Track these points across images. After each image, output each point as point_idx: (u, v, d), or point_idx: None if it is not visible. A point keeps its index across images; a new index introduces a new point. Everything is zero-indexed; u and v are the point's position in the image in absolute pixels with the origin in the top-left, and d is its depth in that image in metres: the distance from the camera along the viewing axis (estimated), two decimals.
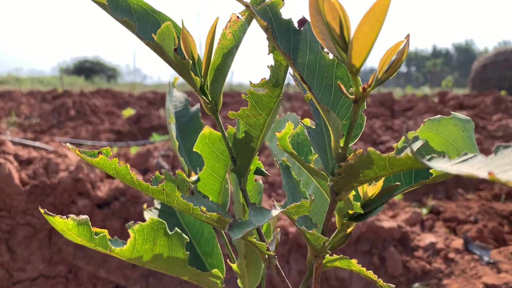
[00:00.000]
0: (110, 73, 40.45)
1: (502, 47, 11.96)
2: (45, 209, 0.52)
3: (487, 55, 11.77)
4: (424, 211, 2.33)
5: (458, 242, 1.81)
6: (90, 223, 0.54)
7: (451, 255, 1.72)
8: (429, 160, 0.37)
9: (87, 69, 38.25)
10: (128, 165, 0.45)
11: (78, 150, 0.46)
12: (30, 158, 1.81)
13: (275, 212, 0.43)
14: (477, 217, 2.21)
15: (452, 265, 1.68)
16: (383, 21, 0.35)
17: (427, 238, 1.82)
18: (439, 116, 0.53)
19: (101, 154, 0.45)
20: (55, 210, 1.59)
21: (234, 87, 17.13)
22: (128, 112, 5.85)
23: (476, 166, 0.31)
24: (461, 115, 0.53)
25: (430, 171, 0.47)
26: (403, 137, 0.52)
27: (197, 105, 0.75)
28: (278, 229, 0.77)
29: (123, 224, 1.60)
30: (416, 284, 1.62)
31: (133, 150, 3.13)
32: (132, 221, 0.57)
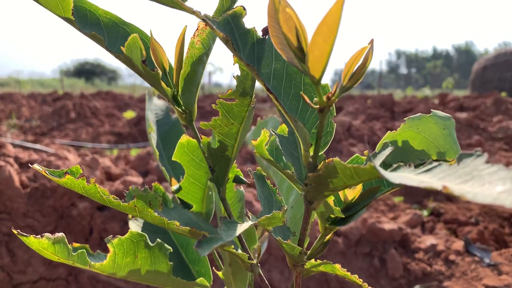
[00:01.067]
0: (111, 75, 40.49)
1: (502, 49, 11.96)
2: (18, 231, 0.51)
3: (487, 57, 11.78)
4: (425, 213, 2.33)
5: (458, 244, 1.81)
6: (66, 240, 0.53)
7: (452, 257, 1.72)
8: (394, 169, 0.37)
9: (87, 71, 38.31)
10: (97, 184, 0.45)
11: (45, 171, 0.45)
12: (31, 161, 1.81)
13: (245, 225, 0.42)
14: (478, 218, 2.20)
15: (453, 267, 1.68)
16: (337, 32, 0.35)
17: (428, 240, 1.82)
18: (419, 114, 0.53)
19: (68, 174, 0.44)
20: (55, 213, 1.59)
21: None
22: (129, 114, 5.86)
23: (437, 177, 0.31)
24: (441, 112, 0.52)
25: None
26: (381, 140, 0.52)
27: None
28: (266, 233, 0.77)
29: (123, 226, 1.59)
30: (417, 286, 1.61)
31: (134, 152, 3.13)
32: (111, 235, 0.56)
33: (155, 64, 0.52)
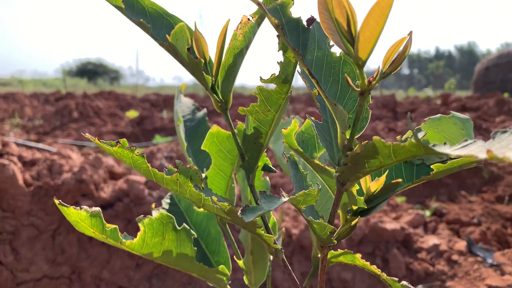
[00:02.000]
0: (113, 75, 40.53)
1: (505, 49, 11.94)
2: (60, 201, 0.53)
3: (490, 57, 11.76)
4: (427, 213, 2.33)
5: (461, 244, 1.81)
6: (102, 215, 0.55)
7: (455, 257, 1.72)
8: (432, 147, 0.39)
9: (90, 71, 38.35)
10: (145, 155, 0.47)
11: (98, 139, 0.47)
12: (34, 160, 1.81)
13: (283, 200, 0.44)
14: (480, 219, 2.20)
15: (456, 267, 1.68)
16: (388, 15, 0.37)
17: (430, 240, 1.82)
18: (439, 115, 0.55)
19: (119, 143, 0.46)
20: (59, 211, 1.59)
21: (236, 89, 17.18)
22: (132, 113, 5.87)
23: (476, 150, 0.33)
24: (460, 114, 0.55)
25: (432, 166, 0.48)
26: (406, 133, 0.53)
27: (204, 110, 0.78)
28: (283, 228, 0.78)
29: (127, 225, 1.60)
30: (420, 286, 1.61)
31: None
32: (142, 215, 0.59)
33: (197, 53, 0.54)
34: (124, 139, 0.48)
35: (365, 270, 1.69)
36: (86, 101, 6.17)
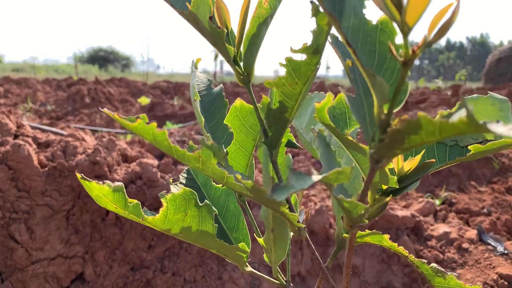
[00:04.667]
0: (124, 62, 40.55)
1: None
2: (82, 175, 0.53)
3: (502, 49, 11.61)
4: (437, 202, 2.32)
5: (472, 233, 1.81)
6: (124, 190, 0.54)
7: (465, 245, 1.72)
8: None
9: (101, 58, 38.39)
10: (166, 131, 0.45)
11: (118, 115, 0.46)
12: (48, 141, 1.83)
13: (316, 178, 0.41)
14: (490, 209, 2.20)
15: (466, 255, 1.68)
16: None
17: (441, 228, 1.82)
18: (476, 95, 0.53)
19: (139, 119, 0.45)
20: (73, 192, 1.61)
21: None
22: (144, 100, 5.89)
23: None
24: (498, 95, 0.53)
25: (470, 147, 0.47)
26: (441, 112, 0.52)
27: (221, 85, 0.75)
28: (302, 207, 0.78)
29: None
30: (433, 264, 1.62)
31: None
32: (165, 191, 0.58)
33: (219, 23, 0.52)
34: (144, 114, 0.47)
35: (374, 256, 1.70)
36: (98, 87, 6.19)
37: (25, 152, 1.56)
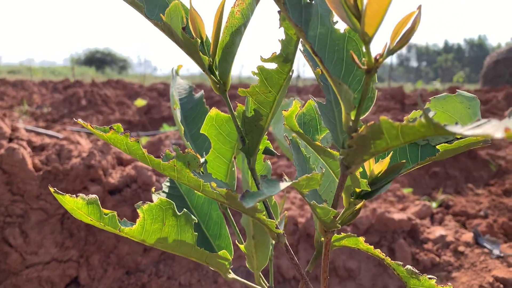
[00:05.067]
0: (121, 64, 40.49)
1: None
2: (55, 188, 0.52)
3: (500, 51, 11.64)
4: (434, 205, 2.32)
5: (468, 236, 1.80)
6: (99, 202, 0.54)
7: (461, 248, 1.72)
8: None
9: (98, 60, 38.32)
10: (139, 141, 0.45)
11: (90, 125, 0.46)
12: (43, 145, 1.82)
13: (285, 184, 0.42)
14: (487, 212, 2.20)
15: (462, 258, 1.68)
16: None
17: (437, 231, 1.82)
18: (444, 94, 0.53)
19: (113, 129, 0.45)
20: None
21: (243, 80, 17.12)
22: (140, 102, 5.88)
23: (492, 129, 0.31)
24: (466, 93, 0.53)
25: (438, 147, 0.47)
26: (411, 113, 0.52)
27: (201, 92, 0.75)
28: (286, 212, 0.77)
29: (135, 210, 1.61)
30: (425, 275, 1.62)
31: (144, 141, 3.14)
32: (141, 202, 0.57)
33: (193, 33, 0.52)
34: (119, 124, 0.47)
35: (370, 259, 1.69)
36: (94, 89, 6.18)
37: (19, 155, 1.56)
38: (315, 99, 0.51)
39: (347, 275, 1.65)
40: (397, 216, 1.78)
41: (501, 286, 1.49)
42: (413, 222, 1.80)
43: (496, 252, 1.67)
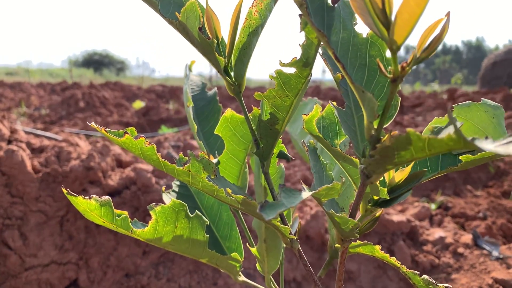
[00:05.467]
0: (119, 66, 40.45)
1: None
2: (68, 190, 0.52)
3: (497, 52, 11.68)
4: (433, 206, 2.32)
5: (467, 237, 1.81)
6: (112, 204, 0.54)
7: (460, 250, 1.72)
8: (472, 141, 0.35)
9: (96, 61, 38.27)
10: (154, 146, 0.45)
11: (104, 129, 0.45)
12: (42, 147, 1.82)
13: (305, 194, 0.41)
14: (486, 213, 2.20)
15: (461, 260, 1.68)
16: None
17: (436, 233, 1.82)
18: (468, 102, 0.52)
19: (127, 134, 0.44)
20: (66, 198, 1.60)
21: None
22: (138, 104, 5.88)
23: None
24: (491, 101, 0.51)
25: (461, 157, 0.46)
26: (429, 123, 0.50)
27: (215, 89, 0.73)
28: (296, 214, 0.77)
29: (134, 212, 1.61)
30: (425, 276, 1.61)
31: None
32: (154, 203, 0.57)
33: (209, 33, 0.51)
34: (132, 128, 0.46)
35: (370, 261, 1.69)
36: (93, 91, 6.17)
37: (18, 157, 1.55)
38: (334, 104, 0.49)
39: (347, 277, 1.65)
40: (396, 218, 1.78)
41: (500, 287, 1.49)
42: (412, 224, 1.80)
43: (495, 253, 1.67)
